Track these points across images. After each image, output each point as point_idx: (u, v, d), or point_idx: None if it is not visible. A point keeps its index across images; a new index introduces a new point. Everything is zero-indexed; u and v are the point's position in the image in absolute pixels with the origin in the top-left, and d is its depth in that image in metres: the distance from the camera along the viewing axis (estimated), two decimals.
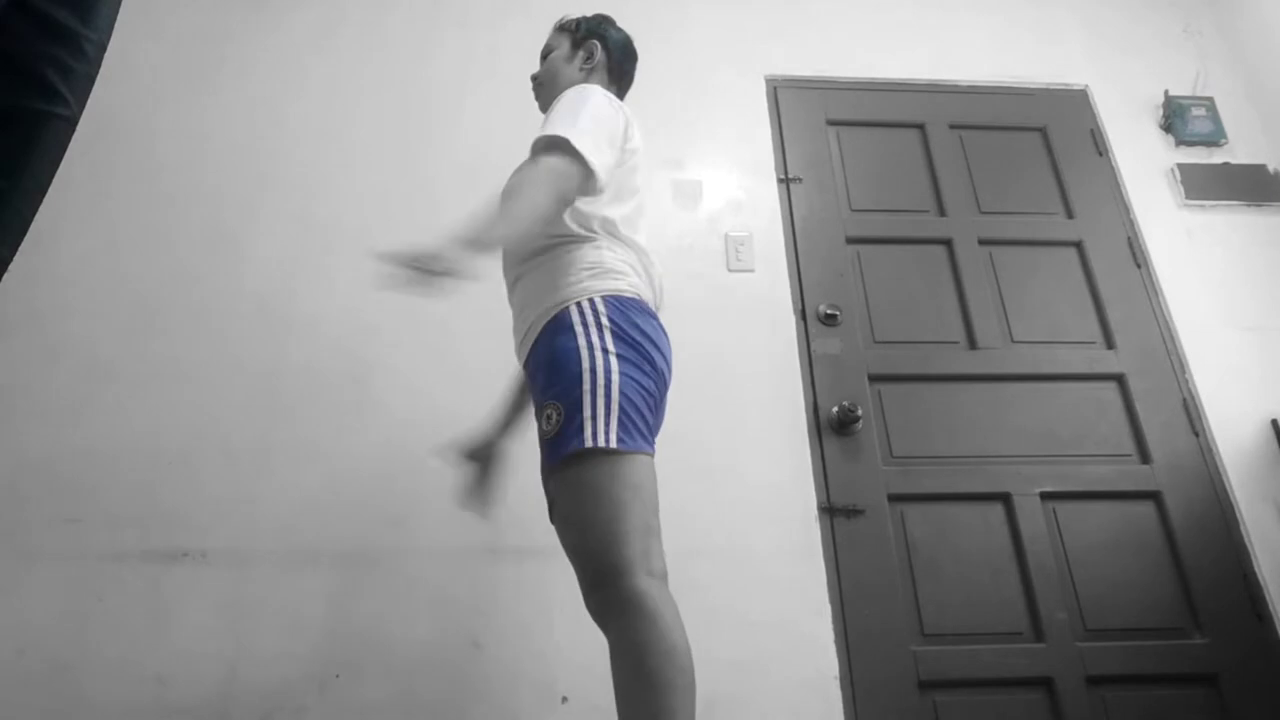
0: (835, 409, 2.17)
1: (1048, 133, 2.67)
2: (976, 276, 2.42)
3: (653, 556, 1.17)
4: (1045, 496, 2.14)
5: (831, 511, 2.08)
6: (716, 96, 2.62)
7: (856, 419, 2.15)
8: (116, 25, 1.04)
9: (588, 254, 1.37)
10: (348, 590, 1.90)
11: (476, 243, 1.18)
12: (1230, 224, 2.57)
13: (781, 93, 2.67)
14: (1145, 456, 2.22)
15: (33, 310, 2.12)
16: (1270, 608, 2.06)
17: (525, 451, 1.85)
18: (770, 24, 2.78)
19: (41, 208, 0.99)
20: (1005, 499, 2.14)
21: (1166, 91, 2.74)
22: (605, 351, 1.25)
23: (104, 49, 1.01)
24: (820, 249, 2.43)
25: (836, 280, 2.38)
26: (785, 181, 2.52)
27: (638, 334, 1.30)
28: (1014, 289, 2.42)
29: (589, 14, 1.73)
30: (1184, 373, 2.34)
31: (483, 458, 1.65)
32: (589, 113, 1.38)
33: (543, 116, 1.60)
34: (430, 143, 2.46)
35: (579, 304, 1.31)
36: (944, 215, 2.52)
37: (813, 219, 2.47)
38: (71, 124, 0.99)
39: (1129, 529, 2.14)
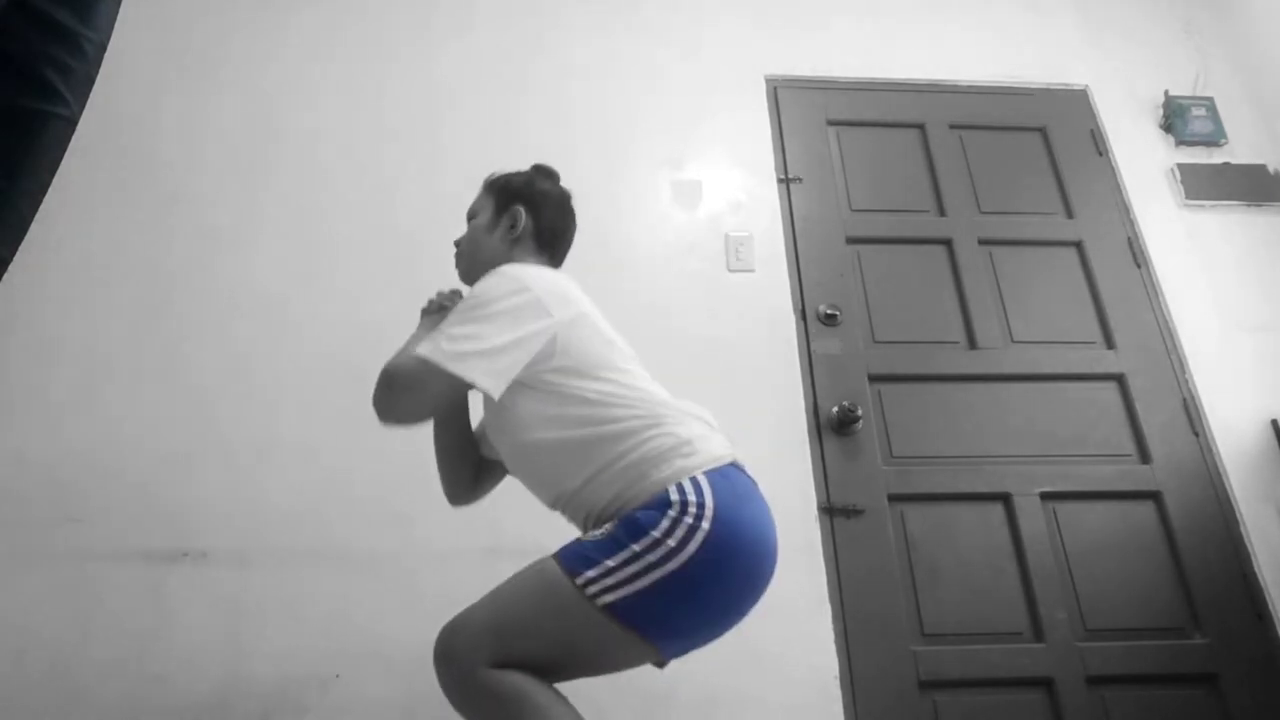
0: (835, 409, 2.16)
1: (1048, 133, 2.67)
2: (976, 276, 2.42)
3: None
4: (1045, 496, 2.14)
5: (831, 511, 2.08)
6: (716, 96, 2.62)
7: (856, 419, 2.15)
8: (117, 25, 1.04)
9: (659, 439, 1.19)
10: (348, 590, 1.90)
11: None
12: (1230, 224, 2.57)
13: (781, 93, 2.67)
14: (1145, 456, 2.22)
15: (33, 310, 2.12)
16: (1270, 608, 2.06)
17: None
18: (770, 24, 2.78)
19: (41, 208, 0.99)
20: (1005, 499, 2.14)
21: (1166, 91, 2.74)
22: (690, 535, 1.09)
23: (104, 49, 1.01)
24: (820, 249, 2.43)
25: (836, 280, 2.38)
26: (785, 181, 2.52)
27: (746, 530, 1.14)
28: (1014, 289, 2.42)
29: (519, 171, 1.53)
30: (1184, 373, 2.34)
31: None
32: (478, 315, 1.21)
33: (464, 290, 1.43)
34: (432, 142, 2.46)
35: (680, 485, 1.13)
36: (944, 215, 2.52)
37: (813, 219, 2.47)
38: (71, 124, 0.99)
39: (1129, 529, 2.13)
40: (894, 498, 2.12)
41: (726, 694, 1.83)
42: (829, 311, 2.31)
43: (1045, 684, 1.95)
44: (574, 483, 1.22)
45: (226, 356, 2.13)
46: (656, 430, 1.19)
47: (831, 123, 2.63)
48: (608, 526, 1.13)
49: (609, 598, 1.07)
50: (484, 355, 1.18)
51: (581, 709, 1.11)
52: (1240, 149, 2.68)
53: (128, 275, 2.21)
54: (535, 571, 1.14)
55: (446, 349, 1.18)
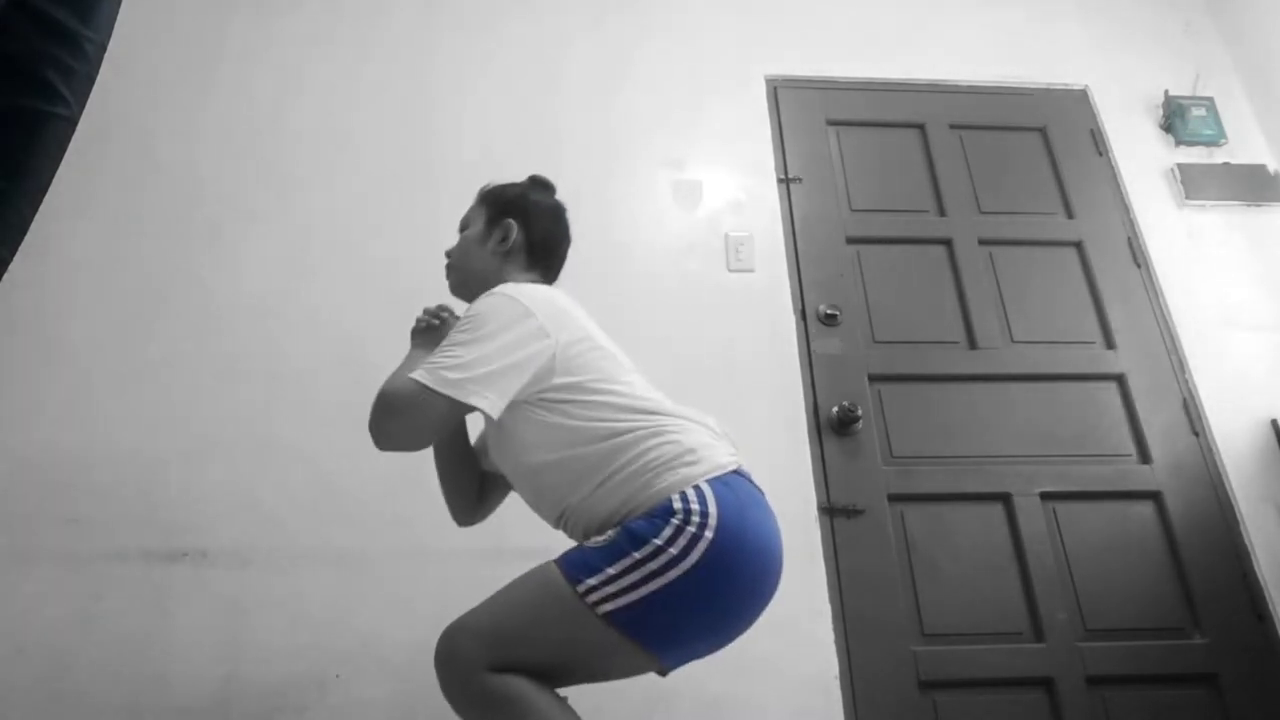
0: (835, 409, 2.16)
1: (1048, 133, 2.67)
2: (976, 276, 2.42)
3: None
4: (1045, 496, 2.14)
5: (831, 511, 2.08)
6: (716, 96, 2.62)
7: (856, 419, 2.15)
8: (116, 25, 1.04)
9: (661, 448, 1.18)
10: (348, 590, 1.90)
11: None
12: (1230, 224, 2.57)
13: (781, 93, 2.66)
14: (1145, 456, 2.22)
15: (33, 310, 2.12)
16: (1270, 608, 2.06)
17: None
18: (770, 24, 2.78)
19: (42, 208, 0.99)
20: (1005, 499, 2.14)
21: (1166, 91, 2.74)
22: (691, 546, 1.08)
23: (104, 49, 1.01)
24: (820, 249, 2.43)
25: (836, 280, 2.38)
26: (785, 181, 2.52)
27: (750, 539, 1.13)
28: (1014, 289, 2.42)
29: (513, 183, 1.51)
30: (1184, 373, 2.34)
31: None
32: (473, 338, 1.19)
33: (456, 306, 1.45)
34: (429, 142, 2.46)
35: (683, 493, 1.12)
36: (944, 215, 2.52)
37: (813, 219, 2.47)
38: (71, 124, 0.99)
39: (1129, 529, 2.13)
40: (894, 498, 2.12)
41: (726, 695, 1.83)
42: (829, 311, 2.31)
43: (1045, 684, 1.95)
44: (575, 498, 1.21)
45: (226, 356, 2.13)
46: (659, 439, 1.18)
47: (831, 123, 2.63)
48: (610, 533, 1.12)
49: (609, 606, 1.06)
50: (483, 379, 1.16)
51: (582, 708, 1.11)
52: (1240, 149, 2.68)
53: (127, 275, 2.20)
54: (537, 577, 1.13)
55: (444, 374, 1.16)
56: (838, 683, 1.89)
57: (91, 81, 1.01)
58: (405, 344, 2.16)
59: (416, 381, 1.16)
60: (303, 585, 1.90)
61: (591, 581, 1.07)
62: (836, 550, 2.04)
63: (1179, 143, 2.68)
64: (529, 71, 2.60)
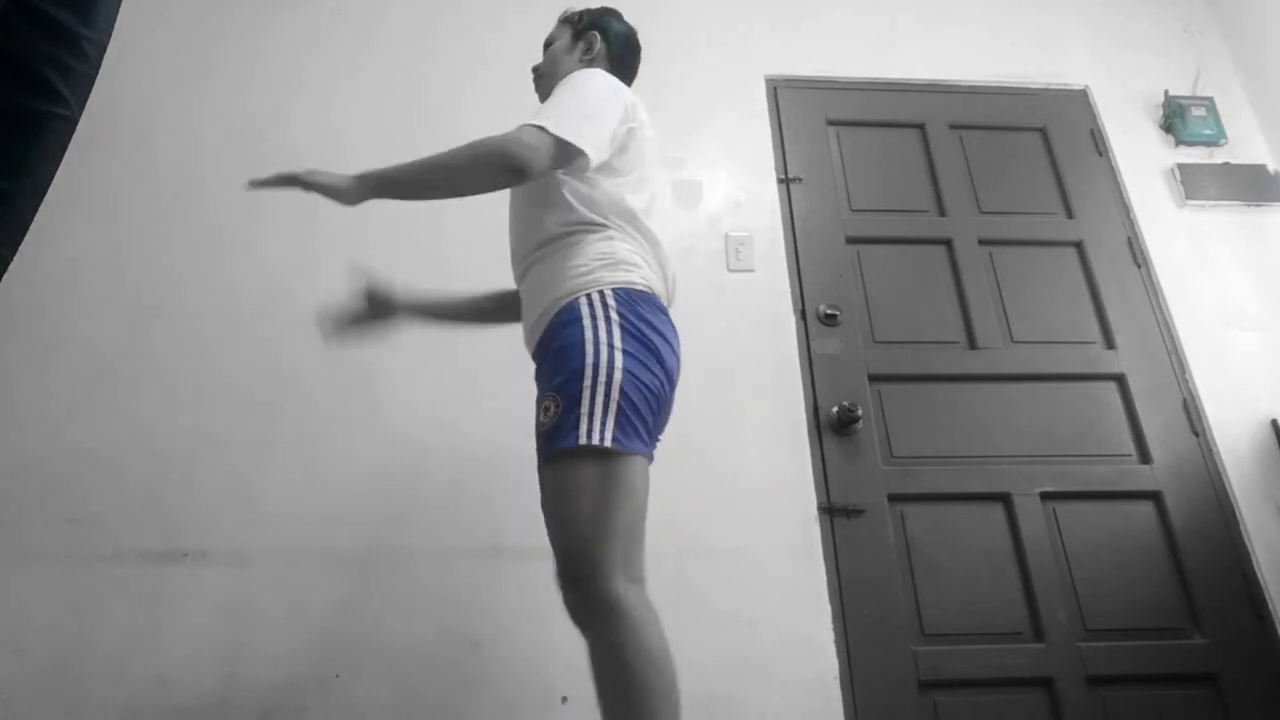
0: (835, 409, 2.17)
1: (1048, 133, 2.67)
2: (976, 276, 2.42)
3: (632, 562, 1.17)
4: (1045, 496, 2.14)
5: (831, 511, 2.08)
6: (716, 96, 2.62)
7: (856, 419, 2.15)
8: (116, 25, 1.04)
9: (600, 244, 1.36)
10: (348, 590, 1.90)
11: (370, 176, 1.31)
12: (1230, 224, 2.57)
13: (781, 93, 2.66)
14: (1145, 456, 2.22)
15: (32, 310, 2.12)
16: (1270, 608, 2.06)
17: (524, 450, 1.85)
18: (770, 24, 2.78)
19: (41, 207, 0.99)
20: (1005, 499, 2.14)
21: (1166, 91, 2.74)
22: (611, 347, 1.23)
23: (104, 49, 1.01)
24: (820, 249, 2.43)
25: (836, 280, 2.38)
26: (785, 181, 2.52)
27: (648, 329, 1.28)
28: (1014, 289, 2.42)
29: (594, 7, 1.73)
30: (1184, 373, 2.34)
31: (377, 304, 1.65)
32: (576, 96, 1.40)
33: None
34: (429, 141, 2.45)
35: (589, 295, 1.29)
36: (944, 215, 2.52)
37: (813, 219, 2.47)
38: (71, 124, 0.99)
39: (1129, 529, 2.14)
40: (894, 498, 2.12)
41: (726, 695, 1.83)
42: (829, 311, 2.31)
43: (1045, 684, 1.95)
44: (545, 246, 1.39)
45: (226, 356, 2.13)
46: (601, 235, 1.36)
47: (831, 123, 2.63)
48: (548, 404, 1.23)
49: (607, 434, 1.17)
50: (594, 125, 1.35)
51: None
52: (1240, 149, 2.68)
53: (128, 275, 2.21)
54: (556, 480, 1.21)
55: (563, 122, 1.32)
56: (837, 683, 1.89)
57: (91, 81, 1.01)
58: (403, 343, 2.17)
59: (540, 127, 1.30)
60: (302, 585, 1.90)
61: (582, 432, 1.17)
62: (836, 550, 2.04)
63: (1179, 143, 2.68)
64: (528, 73, 2.59)
